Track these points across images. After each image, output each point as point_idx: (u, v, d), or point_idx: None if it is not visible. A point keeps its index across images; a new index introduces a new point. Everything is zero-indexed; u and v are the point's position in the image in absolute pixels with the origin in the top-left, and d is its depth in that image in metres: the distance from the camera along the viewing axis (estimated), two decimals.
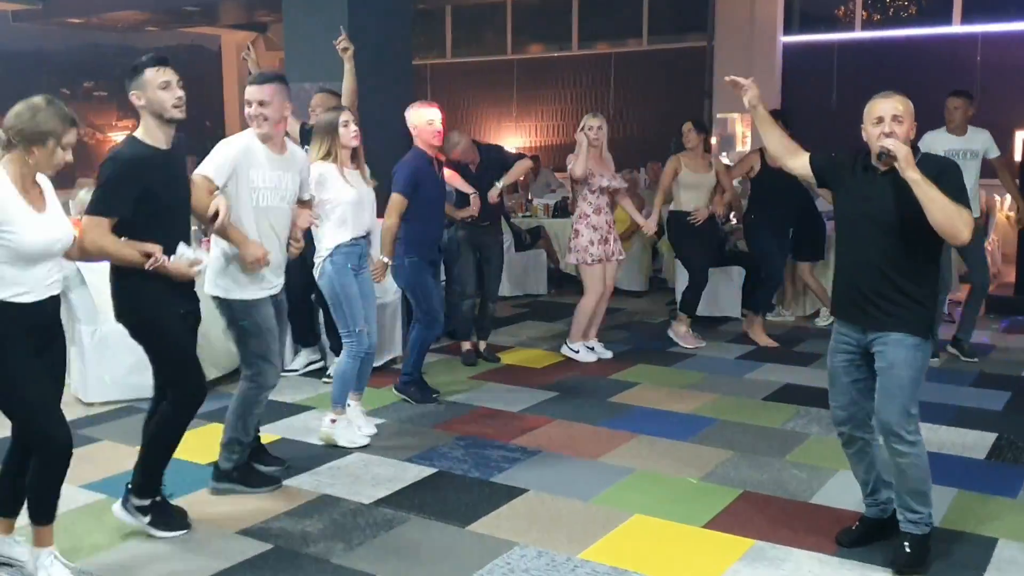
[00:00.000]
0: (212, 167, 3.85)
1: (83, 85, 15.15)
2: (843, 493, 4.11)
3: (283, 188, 4.02)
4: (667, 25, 14.02)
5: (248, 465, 4.24)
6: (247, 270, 3.89)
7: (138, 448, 3.74)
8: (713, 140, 12.97)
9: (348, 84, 5.83)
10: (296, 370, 6.10)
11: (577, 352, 6.56)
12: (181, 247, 3.46)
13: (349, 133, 4.63)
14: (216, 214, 3.68)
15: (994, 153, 6.41)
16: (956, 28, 11.92)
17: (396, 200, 5.24)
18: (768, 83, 12.44)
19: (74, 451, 3.29)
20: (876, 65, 12.16)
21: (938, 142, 6.23)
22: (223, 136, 6.11)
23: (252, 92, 3.98)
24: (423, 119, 5.36)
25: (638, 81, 14.16)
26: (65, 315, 5.45)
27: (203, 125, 16.64)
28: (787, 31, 12.97)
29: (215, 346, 5.49)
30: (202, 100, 16.78)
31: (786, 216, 7.13)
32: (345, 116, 4.65)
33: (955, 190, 3.20)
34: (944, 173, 3.23)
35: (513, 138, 14.91)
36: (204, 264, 3.58)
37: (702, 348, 6.97)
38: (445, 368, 6.34)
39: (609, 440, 4.85)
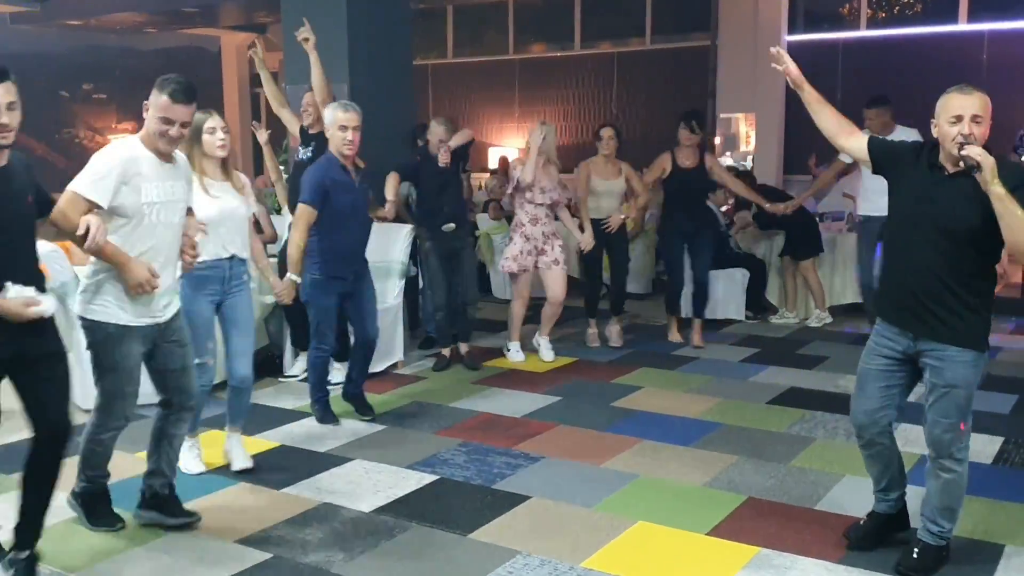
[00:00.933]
0: (87, 183, 3.34)
1: (82, 87, 15.13)
2: (849, 499, 4.06)
3: (176, 200, 3.56)
4: (670, 24, 13.95)
5: (101, 498, 3.82)
6: (131, 293, 3.46)
7: (139, 455, 3.70)
8: (717, 140, 12.96)
9: (316, 79, 5.72)
10: (296, 376, 6.05)
11: (509, 351, 6.62)
12: (9, 285, 2.97)
13: (215, 141, 4.10)
14: (88, 232, 3.18)
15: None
16: (962, 26, 11.84)
17: (301, 211, 4.79)
18: (772, 82, 12.39)
19: (71, 459, 3.25)
20: (881, 64, 12.09)
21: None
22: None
23: (180, 112, 3.46)
24: (335, 123, 4.82)
25: (641, 81, 14.09)
26: (63, 321, 5.45)
27: None
28: (791, 30, 12.89)
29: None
30: (202, 102, 16.65)
31: (692, 219, 6.96)
32: (212, 122, 4.09)
33: None
34: (1019, 188, 3.00)
35: (515, 139, 14.85)
36: (45, 308, 3.08)
37: (704, 351, 6.91)
38: (449, 373, 6.29)
39: (613, 445, 4.80)
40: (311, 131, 5.88)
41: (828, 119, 3.55)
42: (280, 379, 6.06)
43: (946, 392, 3.25)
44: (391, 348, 6.30)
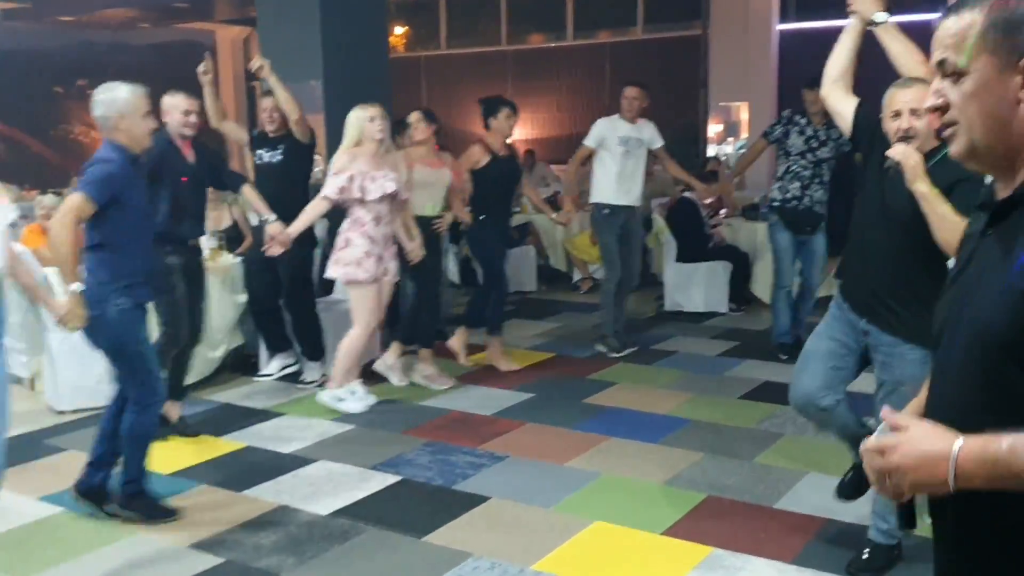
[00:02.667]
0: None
1: (76, 83, 15.11)
2: (809, 497, 4.06)
3: None
4: (663, 13, 13.88)
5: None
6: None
7: None
8: (718, 127, 12.90)
9: (282, 100, 5.66)
10: (271, 375, 6.06)
11: (342, 400, 5.33)
12: None
13: None
14: None
15: (658, 144, 6.56)
16: None
17: (79, 204, 3.62)
18: (764, 71, 12.33)
19: (37, 461, 3.25)
20: (874, 51, 11.99)
21: (612, 129, 6.42)
22: (217, 133, 6.09)
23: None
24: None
25: (635, 71, 13.99)
26: (34, 322, 5.49)
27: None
28: (783, 18, 12.82)
29: None
30: (198, 96, 16.64)
31: (507, 215, 6.43)
32: None
33: (967, 204, 2.93)
34: (961, 182, 2.87)
35: None
36: None
37: (683, 344, 6.89)
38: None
39: (579, 443, 4.80)
40: (275, 134, 5.85)
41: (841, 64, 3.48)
42: (254, 378, 6.07)
43: (893, 389, 3.21)
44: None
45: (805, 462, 4.47)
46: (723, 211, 8.66)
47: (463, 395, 5.69)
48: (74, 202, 3.61)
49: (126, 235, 3.79)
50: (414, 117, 6.00)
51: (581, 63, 14.46)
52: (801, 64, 13.16)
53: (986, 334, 1.36)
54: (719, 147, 12.77)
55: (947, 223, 2.83)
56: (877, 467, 1.37)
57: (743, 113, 13.05)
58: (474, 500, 4.08)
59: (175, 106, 4.79)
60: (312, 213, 5.31)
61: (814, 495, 4.05)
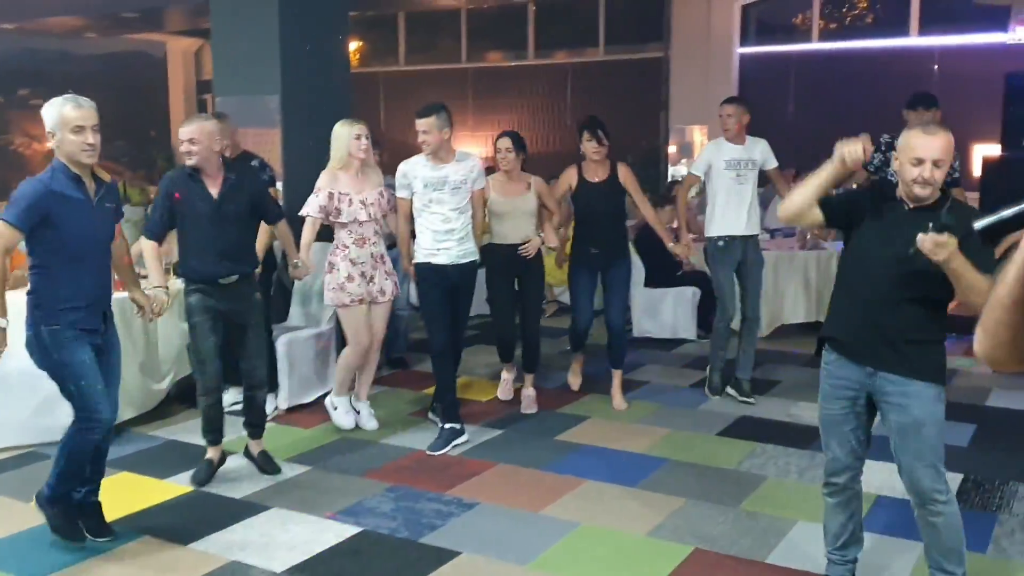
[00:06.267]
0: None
1: (18, 92, 14.58)
2: (803, 550, 3.80)
3: None
4: (625, 35, 13.78)
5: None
6: None
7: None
8: (672, 149, 12.79)
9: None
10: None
11: (336, 409, 5.40)
12: None
13: None
14: None
15: (772, 164, 6.05)
16: (914, 40, 11.78)
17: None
18: (724, 94, 12.17)
19: None
20: (833, 76, 12.01)
21: (718, 152, 5.94)
22: (168, 147, 5.75)
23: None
24: (66, 124, 3.58)
25: (596, 91, 13.89)
26: None
27: (148, 135, 16.08)
28: (744, 42, 12.77)
29: (128, 383, 5.09)
30: (147, 109, 16.26)
31: (602, 245, 5.81)
32: None
33: (983, 259, 2.76)
34: (970, 236, 2.74)
35: (470, 148, 14.53)
36: None
37: (654, 374, 6.64)
38: (385, 401, 5.94)
39: (554, 488, 4.50)
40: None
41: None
42: None
43: (917, 430, 3.08)
44: (323, 377, 5.95)
45: (793, 510, 4.21)
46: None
47: (425, 432, 5.35)
48: None
49: (63, 258, 3.58)
50: (503, 145, 5.65)
51: (542, 82, 14.28)
52: (761, 86, 13.17)
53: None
54: (674, 168, 12.68)
55: (975, 289, 2.77)
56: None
57: (696, 134, 12.95)
58: (443, 556, 3.75)
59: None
60: (308, 236, 5.13)
61: (807, 548, 3.80)
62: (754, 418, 5.62)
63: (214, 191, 4.37)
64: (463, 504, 4.29)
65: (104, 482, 4.24)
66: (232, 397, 5.71)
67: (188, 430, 5.32)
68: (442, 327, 5.19)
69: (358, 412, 5.47)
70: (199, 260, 4.40)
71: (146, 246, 4.43)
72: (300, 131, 6.45)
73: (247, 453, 4.82)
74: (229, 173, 4.44)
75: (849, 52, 12.16)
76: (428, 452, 5.01)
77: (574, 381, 6.31)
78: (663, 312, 7.79)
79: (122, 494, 4.36)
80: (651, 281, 7.81)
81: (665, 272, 7.75)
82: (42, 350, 3.63)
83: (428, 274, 5.19)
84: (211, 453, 4.65)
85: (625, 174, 5.80)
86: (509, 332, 5.89)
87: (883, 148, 5.93)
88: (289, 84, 6.47)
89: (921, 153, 2.95)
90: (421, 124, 5.09)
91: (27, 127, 14.93)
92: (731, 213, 5.92)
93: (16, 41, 14.90)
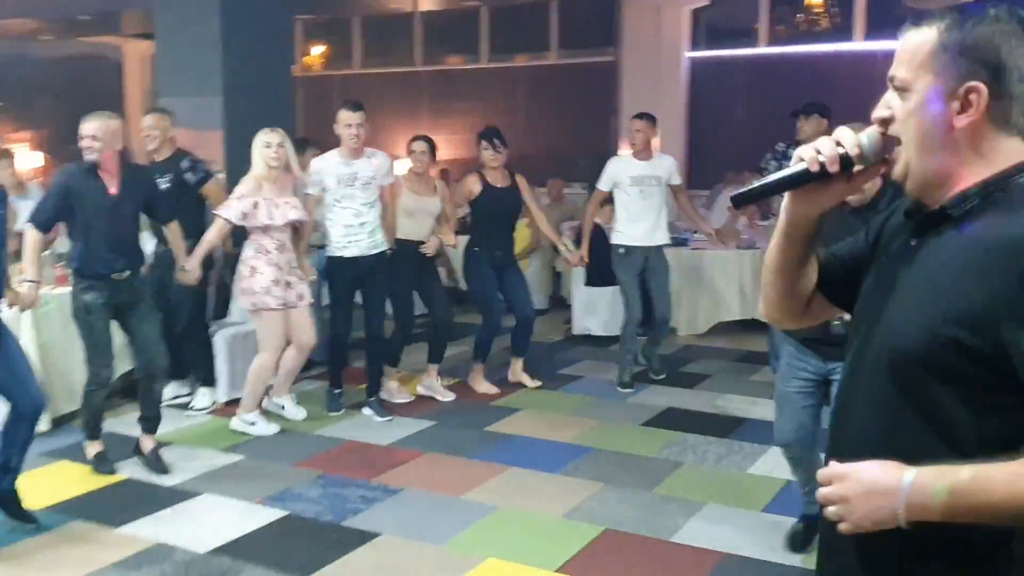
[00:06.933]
0: None
1: None
2: (707, 529, 4.01)
3: None
4: (578, 39, 13.98)
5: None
6: None
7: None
8: (623, 151, 12.99)
9: None
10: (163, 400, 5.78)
11: (253, 424, 5.31)
12: None
13: None
14: None
15: (676, 181, 6.33)
16: (858, 44, 12.08)
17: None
18: (674, 98, 12.49)
19: None
20: (783, 80, 12.26)
21: (623, 168, 6.21)
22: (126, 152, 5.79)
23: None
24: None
25: (550, 95, 14.09)
26: None
27: None
28: (694, 46, 13.01)
29: (71, 377, 5.22)
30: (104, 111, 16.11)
31: (501, 247, 6.20)
32: None
33: None
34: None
35: None
36: None
37: (590, 369, 6.83)
38: (319, 396, 6.07)
39: (478, 474, 4.67)
40: (157, 157, 5.64)
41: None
42: None
43: None
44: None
45: (704, 493, 4.43)
46: None
47: (361, 424, 5.51)
48: None
49: None
50: (418, 148, 5.97)
51: (496, 86, 14.44)
52: (711, 91, 13.45)
53: (897, 350, 1.32)
54: None
55: None
56: (825, 496, 1.31)
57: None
58: (363, 537, 3.92)
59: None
60: (214, 237, 5.24)
61: (711, 527, 4.01)
62: (680, 409, 5.83)
63: (112, 188, 4.48)
64: (388, 490, 4.46)
65: (41, 471, 4.39)
66: (172, 391, 5.85)
67: (127, 423, 5.41)
68: (346, 317, 5.61)
69: (282, 407, 5.57)
70: (94, 255, 4.44)
71: (30, 236, 4.41)
72: (242, 132, 6.57)
73: (137, 450, 4.78)
74: (126, 171, 4.56)
75: (798, 56, 12.43)
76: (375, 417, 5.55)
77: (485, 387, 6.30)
78: (602, 310, 7.99)
79: (57, 483, 4.48)
80: (591, 280, 8.01)
81: (605, 271, 7.94)
82: None
83: (339, 267, 5.48)
84: (99, 446, 4.72)
85: (523, 183, 6.21)
86: (412, 322, 6.14)
87: (778, 157, 6.20)
88: (231, 86, 6.61)
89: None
90: (356, 117, 5.33)
91: None
92: (632, 226, 6.25)
93: None
